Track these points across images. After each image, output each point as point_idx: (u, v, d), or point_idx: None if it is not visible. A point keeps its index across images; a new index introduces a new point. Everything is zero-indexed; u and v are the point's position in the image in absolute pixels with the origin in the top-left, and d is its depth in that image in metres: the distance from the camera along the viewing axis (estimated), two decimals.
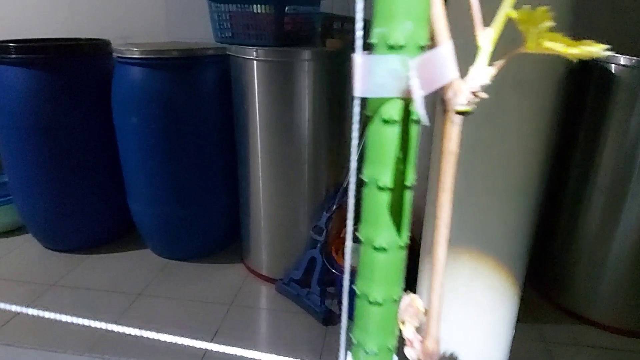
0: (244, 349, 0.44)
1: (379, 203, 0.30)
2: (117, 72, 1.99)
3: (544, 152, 0.99)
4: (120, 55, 1.93)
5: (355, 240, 0.34)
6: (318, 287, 1.81)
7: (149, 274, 2.14)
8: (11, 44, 1.96)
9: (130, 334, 0.47)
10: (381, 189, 0.30)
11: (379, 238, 0.31)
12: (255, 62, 1.77)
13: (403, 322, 0.34)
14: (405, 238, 0.32)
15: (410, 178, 0.30)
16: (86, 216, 2.28)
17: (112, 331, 0.47)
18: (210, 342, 0.49)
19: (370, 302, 0.32)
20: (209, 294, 2.00)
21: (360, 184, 0.31)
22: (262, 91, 1.81)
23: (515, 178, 0.96)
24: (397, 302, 0.33)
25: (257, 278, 2.11)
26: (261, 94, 1.81)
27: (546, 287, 2.00)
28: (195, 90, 2.00)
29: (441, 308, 0.30)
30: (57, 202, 2.19)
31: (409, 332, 0.33)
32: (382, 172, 0.30)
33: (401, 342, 0.35)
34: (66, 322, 0.47)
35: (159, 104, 1.96)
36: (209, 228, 2.27)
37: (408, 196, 0.31)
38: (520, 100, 0.89)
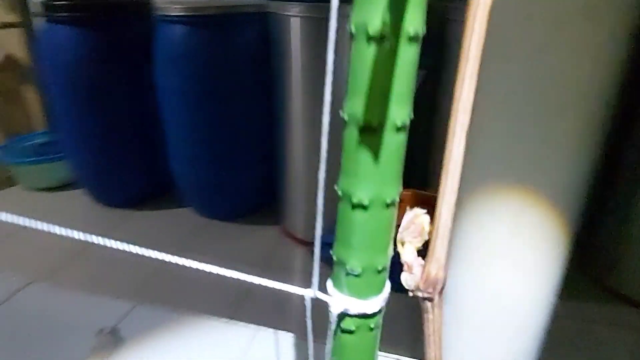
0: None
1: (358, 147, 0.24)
2: (158, 30, 2.00)
3: (608, 94, 0.81)
4: (161, 13, 1.93)
5: None
6: None
7: (187, 232, 2.21)
8: (59, 2, 2.00)
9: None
10: (363, 129, 0.24)
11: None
12: (295, 19, 1.72)
13: (402, 243, 0.28)
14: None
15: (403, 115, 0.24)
16: (131, 173, 2.36)
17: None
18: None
19: (353, 205, 0.25)
20: (244, 253, 2.04)
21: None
22: (303, 50, 1.76)
23: (576, 118, 0.80)
24: (390, 207, 0.27)
25: (293, 241, 2.13)
26: (302, 53, 1.77)
27: (590, 264, 1.90)
28: (235, 48, 1.98)
29: (451, 225, 0.24)
30: (104, 158, 2.28)
31: (408, 255, 0.27)
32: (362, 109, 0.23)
33: (396, 267, 0.29)
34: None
35: (198, 63, 1.95)
36: (246, 189, 2.31)
37: (399, 138, 0.25)
38: (586, 28, 0.73)
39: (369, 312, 0.27)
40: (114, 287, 1.82)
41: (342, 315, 0.27)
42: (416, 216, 0.27)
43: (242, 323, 0.95)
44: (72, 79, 2.09)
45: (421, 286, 0.25)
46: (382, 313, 0.29)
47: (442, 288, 0.25)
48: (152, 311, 0.87)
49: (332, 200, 0.35)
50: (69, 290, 0.98)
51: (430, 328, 0.26)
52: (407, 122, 0.24)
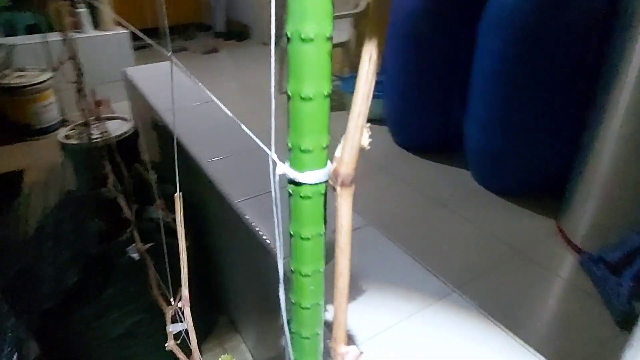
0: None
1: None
2: None
3: None
4: None
5: None
6: (631, 282, 1.48)
7: (463, 195, 2.27)
8: None
9: None
10: (304, 40, 0.31)
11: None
12: None
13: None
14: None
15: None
16: (427, 122, 2.55)
17: None
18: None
19: (302, 98, 0.34)
20: (510, 236, 1.96)
21: None
22: None
23: None
24: (326, 98, 0.34)
25: (564, 241, 1.89)
26: None
27: None
28: (568, 18, 1.77)
29: (358, 137, 0.35)
30: (409, 103, 2.54)
31: (338, 152, 0.36)
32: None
33: None
34: None
35: (524, 27, 1.85)
36: (533, 170, 2.14)
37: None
38: None
39: (323, 180, 0.36)
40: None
41: (301, 186, 0.35)
42: None
43: None
44: (402, 27, 2.35)
45: (330, 178, 0.35)
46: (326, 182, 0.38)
47: (348, 182, 0.35)
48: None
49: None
50: None
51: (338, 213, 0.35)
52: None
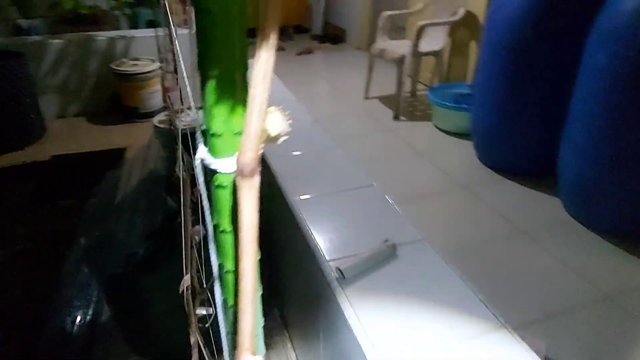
0: None
1: None
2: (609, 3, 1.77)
3: None
4: None
5: None
6: None
7: (551, 224, 2.07)
8: None
9: None
10: None
11: None
12: None
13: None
14: None
15: None
16: (520, 141, 2.37)
17: None
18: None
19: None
20: (593, 273, 1.75)
21: None
22: None
23: None
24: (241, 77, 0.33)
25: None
26: None
27: None
28: None
29: (259, 127, 0.32)
30: (500, 119, 2.38)
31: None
32: None
33: None
34: None
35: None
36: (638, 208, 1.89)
37: None
38: None
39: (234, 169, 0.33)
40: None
41: (217, 175, 0.33)
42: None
43: None
44: (501, 37, 2.21)
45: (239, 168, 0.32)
46: None
47: (247, 172, 0.32)
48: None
49: None
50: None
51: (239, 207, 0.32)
52: None
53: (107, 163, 2.45)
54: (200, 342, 0.70)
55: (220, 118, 0.30)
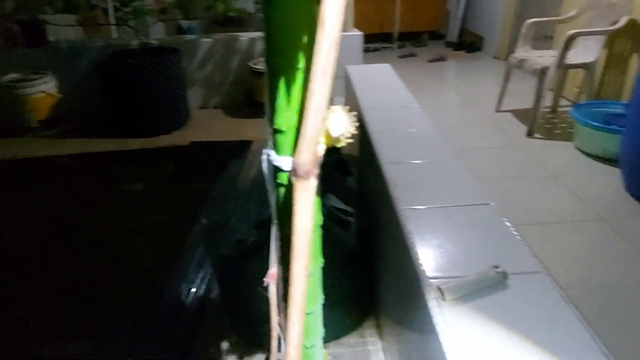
0: None
1: None
2: None
3: None
4: None
5: None
6: None
7: None
8: None
9: None
10: None
11: None
12: None
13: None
14: None
15: None
16: None
17: None
18: None
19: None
20: None
21: None
22: None
23: None
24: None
25: None
26: None
27: None
28: None
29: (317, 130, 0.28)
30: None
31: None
32: None
33: None
34: None
35: None
36: None
37: None
38: None
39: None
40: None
41: (280, 173, 0.30)
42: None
43: None
44: None
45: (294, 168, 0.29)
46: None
47: (303, 173, 0.28)
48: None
49: None
50: None
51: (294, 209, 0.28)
52: None
53: (235, 152, 2.67)
54: (281, 335, 0.71)
55: (284, 114, 0.28)
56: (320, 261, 0.35)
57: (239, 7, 3.47)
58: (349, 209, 1.39)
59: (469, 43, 5.35)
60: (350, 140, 0.29)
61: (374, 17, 5.56)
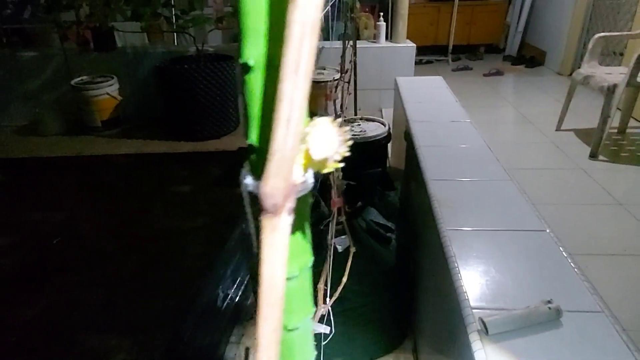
0: None
1: None
2: None
3: None
4: None
5: None
6: None
7: None
8: None
9: None
10: None
11: None
12: None
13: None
14: None
15: None
16: None
17: None
18: None
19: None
20: None
21: None
22: None
23: None
24: None
25: None
26: None
27: None
28: None
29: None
30: None
31: None
32: None
33: None
34: None
35: None
36: None
37: None
38: None
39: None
40: None
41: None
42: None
43: None
44: None
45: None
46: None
47: (271, 208, 0.21)
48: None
49: None
50: None
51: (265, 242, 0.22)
52: None
53: None
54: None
55: (257, 124, 0.23)
56: (309, 259, 0.30)
57: None
58: (389, 224, 1.33)
59: (529, 57, 5.12)
60: (340, 165, 0.24)
61: (428, 29, 5.46)
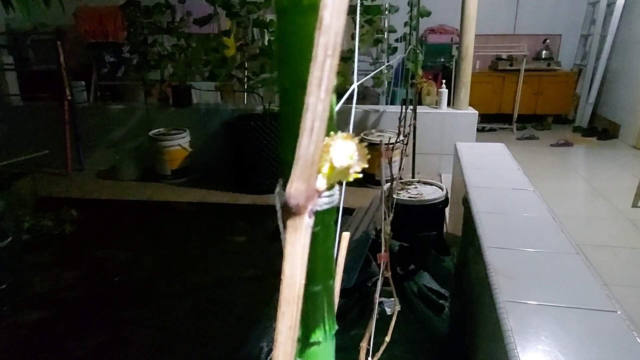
0: None
1: None
2: None
3: None
4: None
5: None
6: None
7: None
8: None
9: None
10: None
11: None
12: None
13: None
14: None
15: None
16: None
17: None
18: None
19: None
20: None
21: None
22: None
23: None
24: None
25: None
26: None
27: None
28: None
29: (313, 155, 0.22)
30: None
31: None
32: None
33: None
34: None
35: None
36: None
37: None
38: None
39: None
40: None
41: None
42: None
43: None
44: None
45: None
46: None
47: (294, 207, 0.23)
48: None
49: None
50: None
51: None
52: None
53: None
54: None
55: (290, 141, 0.25)
56: (332, 273, 0.30)
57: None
58: (443, 291, 1.28)
59: (601, 129, 4.90)
60: (359, 176, 0.26)
61: (492, 97, 5.44)
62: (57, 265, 2.38)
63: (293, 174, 0.22)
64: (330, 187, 0.24)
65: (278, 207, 0.25)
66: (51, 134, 3.82)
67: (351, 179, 0.25)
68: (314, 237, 0.36)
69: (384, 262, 0.86)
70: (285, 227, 0.23)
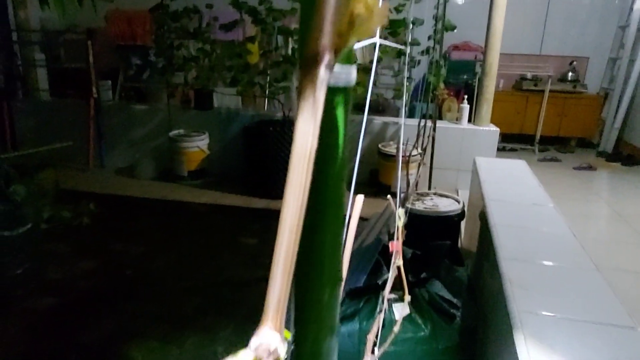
0: None
1: None
2: None
3: None
4: None
5: None
6: None
7: None
8: None
9: None
10: None
11: None
12: None
13: None
14: None
15: None
16: None
17: None
18: None
19: None
20: None
21: None
22: None
23: None
24: None
25: None
26: None
27: None
28: None
29: None
30: None
31: None
32: None
33: None
34: None
35: None
36: None
37: None
38: None
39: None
40: None
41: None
42: None
43: None
44: None
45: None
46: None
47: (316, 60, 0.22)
48: None
49: None
50: None
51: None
52: None
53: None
54: None
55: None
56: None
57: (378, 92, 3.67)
58: (455, 300, 1.24)
59: (626, 155, 4.79)
60: (384, 23, 0.25)
61: (515, 117, 5.37)
62: (72, 255, 2.42)
63: (316, 21, 0.22)
64: (347, 59, 0.25)
65: (294, 86, 0.25)
66: (76, 130, 3.92)
67: (370, 36, 0.24)
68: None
69: (395, 251, 0.85)
70: (300, 92, 0.22)
